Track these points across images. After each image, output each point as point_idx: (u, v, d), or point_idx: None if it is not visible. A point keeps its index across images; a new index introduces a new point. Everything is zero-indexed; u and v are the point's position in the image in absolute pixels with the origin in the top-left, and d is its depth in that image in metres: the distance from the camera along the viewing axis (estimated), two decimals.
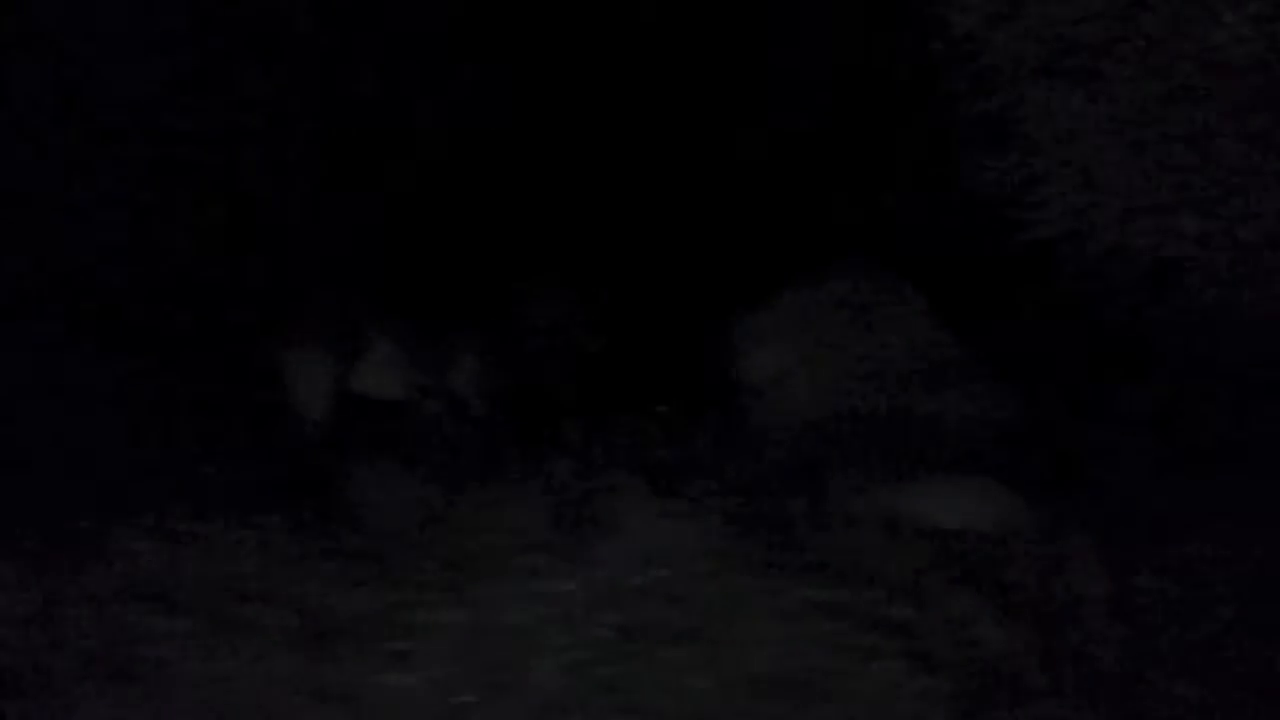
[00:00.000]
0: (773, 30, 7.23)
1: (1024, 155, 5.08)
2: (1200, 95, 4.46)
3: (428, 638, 4.28)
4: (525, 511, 5.20)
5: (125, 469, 5.47)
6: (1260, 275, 4.36)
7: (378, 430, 6.56)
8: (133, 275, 6.61)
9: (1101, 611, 4.73)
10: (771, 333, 8.14)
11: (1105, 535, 5.24)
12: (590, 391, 6.78)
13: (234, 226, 6.87)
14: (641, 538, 4.85)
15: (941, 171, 5.90)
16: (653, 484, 5.18)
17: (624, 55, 7.85)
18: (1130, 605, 4.78)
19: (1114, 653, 4.53)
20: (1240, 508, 5.10)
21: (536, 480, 5.54)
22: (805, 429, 7.25)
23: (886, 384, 7.75)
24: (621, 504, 4.96)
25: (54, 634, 4.34)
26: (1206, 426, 5.34)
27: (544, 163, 7.86)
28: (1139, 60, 4.80)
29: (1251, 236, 4.36)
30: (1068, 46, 5.09)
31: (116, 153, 6.64)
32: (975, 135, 5.45)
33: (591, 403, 6.39)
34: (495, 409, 6.91)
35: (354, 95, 7.31)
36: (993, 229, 5.71)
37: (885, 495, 6.01)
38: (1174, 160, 4.68)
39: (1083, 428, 6.32)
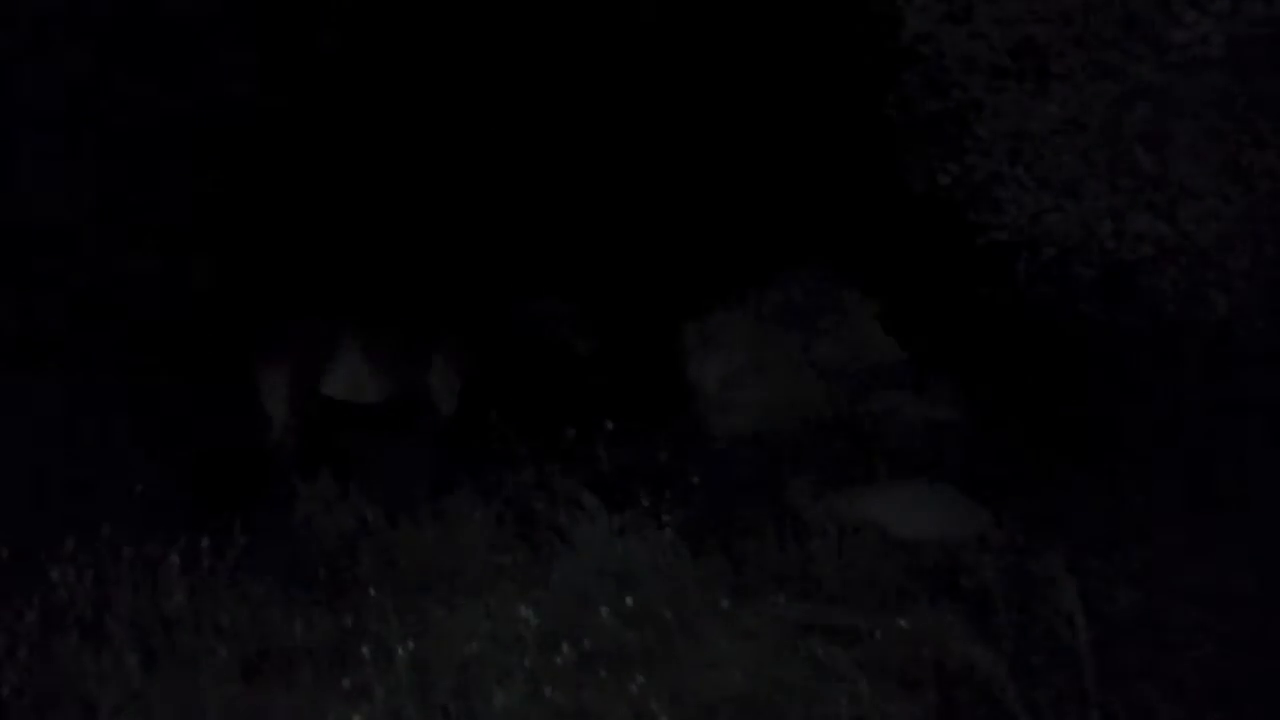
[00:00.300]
0: (727, 36, 7.08)
1: (978, 157, 4.97)
2: (1158, 95, 4.39)
3: (376, 667, 4.06)
4: (477, 530, 4.99)
5: (54, 492, 5.22)
6: (1217, 279, 4.29)
7: (329, 443, 6.33)
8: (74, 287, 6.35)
9: (1075, 625, 4.64)
10: (721, 339, 8.03)
11: (1073, 544, 5.15)
12: (560, 399, 6.65)
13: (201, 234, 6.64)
14: (598, 556, 4.67)
15: (894, 174, 5.77)
16: (608, 498, 5.00)
17: (599, 69, 7.67)
18: (1104, 618, 4.69)
19: (1090, 667, 4.44)
20: (1207, 514, 5.04)
21: (488, 496, 5.33)
22: (758, 436, 7.13)
23: (838, 388, 7.67)
24: (576, 520, 4.76)
25: None
26: (1165, 432, 5.28)
27: (514, 171, 7.70)
28: (1094, 60, 4.71)
29: (1208, 240, 4.29)
30: (1022, 46, 5.00)
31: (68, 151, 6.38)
32: (928, 136, 5.34)
33: (553, 411, 6.26)
34: (465, 415, 6.72)
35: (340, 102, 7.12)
36: (947, 232, 5.61)
37: (843, 502, 5.90)
38: (1131, 162, 4.60)
39: (1037, 433, 6.24)
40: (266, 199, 6.95)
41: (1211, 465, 4.84)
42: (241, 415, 6.76)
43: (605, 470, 5.47)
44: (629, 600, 4.34)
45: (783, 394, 7.70)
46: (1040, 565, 5.04)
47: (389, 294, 7.32)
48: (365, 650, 4.07)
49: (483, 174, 7.68)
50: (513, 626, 4.24)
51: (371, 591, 4.59)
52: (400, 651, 4.02)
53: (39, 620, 4.42)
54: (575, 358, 7.32)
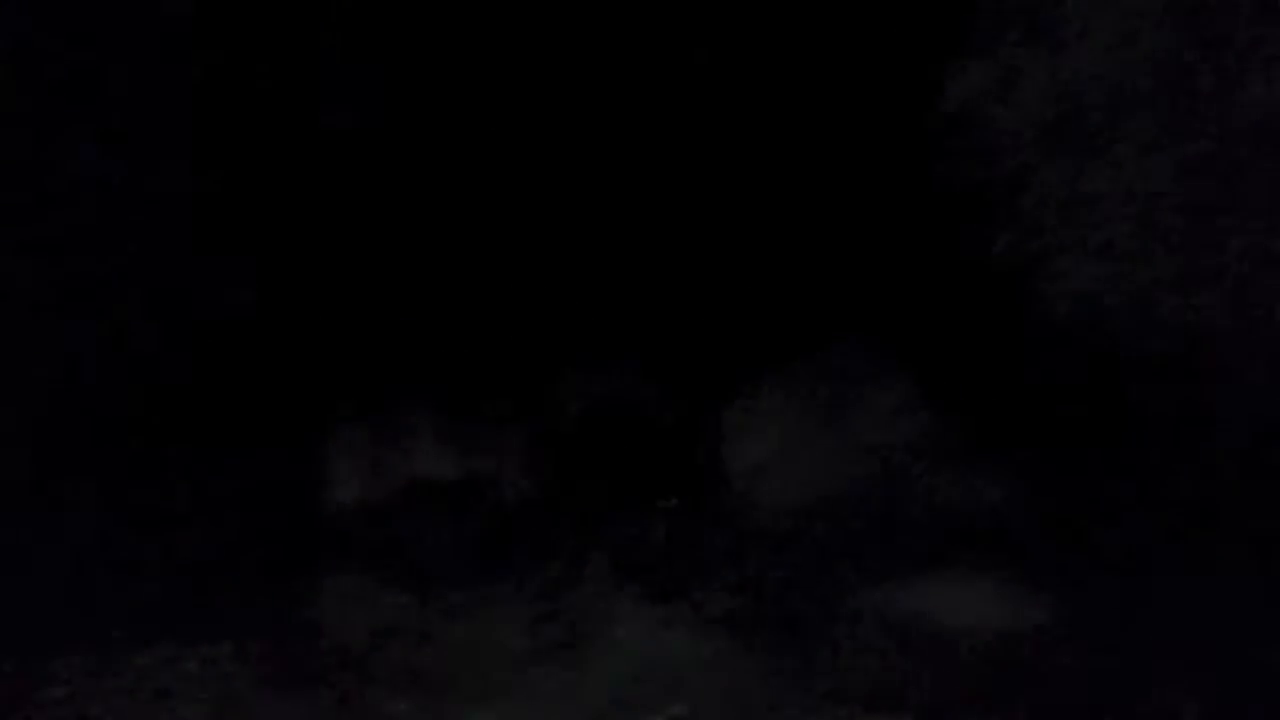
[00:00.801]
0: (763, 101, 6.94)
1: (1031, 228, 4.75)
2: (1222, 164, 4.17)
3: None
4: (508, 624, 4.71)
5: (63, 594, 4.95)
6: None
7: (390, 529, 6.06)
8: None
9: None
10: (757, 417, 7.77)
11: (1136, 637, 4.84)
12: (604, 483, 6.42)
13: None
14: (637, 650, 4.38)
15: (941, 243, 5.56)
16: (645, 588, 4.73)
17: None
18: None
19: None
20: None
21: (520, 586, 5.06)
22: (799, 521, 6.83)
23: (877, 469, 7.39)
24: (613, 612, 4.48)
25: None
26: (1236, 517, 4.98)
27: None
28: (1153, 127, 4.51)
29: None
30: (1073, 112, 4.80)
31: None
32: (978, 206, 5.12)
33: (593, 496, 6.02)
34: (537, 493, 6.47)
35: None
36: (996, 306, 5.37)
37: (890, 592, 5.59)
38: (1192, 233, 4.37)
39: (1097, 518, 5.93)
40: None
41: None
42: (300, 494, 6.42)
43: (644, 559, 5.18)
44: (671, 697, 4.06)
45: (820, 473, 7.42)
46: (1108, 664, 4.74)
47: (462, 364, 7.10)
48: None
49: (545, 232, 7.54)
50: None
51: (394, 694, 4.32)
52: None
53: None
54: (654, 431, 6.97)
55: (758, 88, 6.89)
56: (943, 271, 6.22)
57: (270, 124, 6.58)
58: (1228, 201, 4.34)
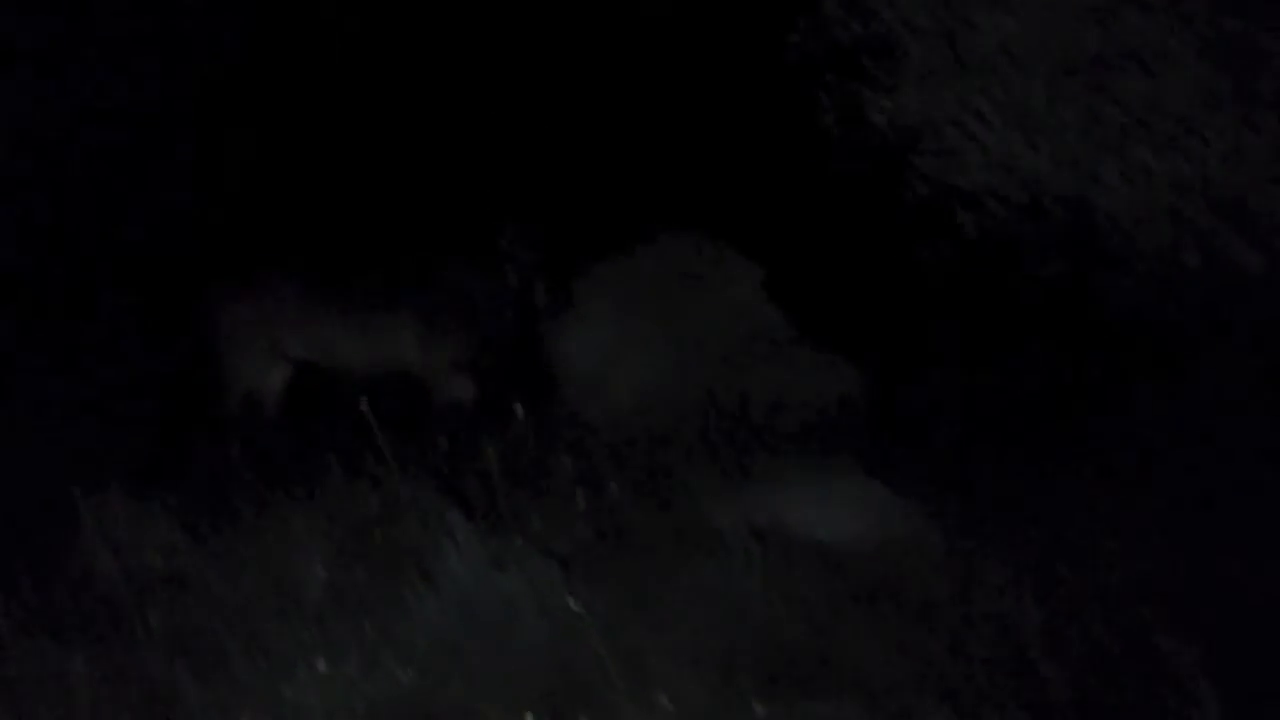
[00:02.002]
0: None
1: (919, 90, 4.10)
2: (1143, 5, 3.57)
3: None
4: (304, 562, 3.87)
5: None
6: (1241, 230, 3.53)
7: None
8: None
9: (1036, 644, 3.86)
10: (586, 311, 7.02)
11: (1017, 547, 4.39)
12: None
13: None
14: (463, 594, 3.63)
15: (798, 115, 4.89)
16: (470, 515, 3.97)
17: None
18: (1067, 632, 3.92)
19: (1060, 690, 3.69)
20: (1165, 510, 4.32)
21: (318, 515, 4.21)
22: (640, 428, 6.16)
23: (720, 365, 6.78)
24: (437, 547, 3.71)
25: None
26: (1127, 415, 4.57)
27: None
28: None
29: (1231, 181, 3.52)
30: None
31: None
32: (852, 68, 4.44)
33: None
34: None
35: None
36: (874, 184, 4.75)
37: (752, 504, 5.00)
38: (1107, 97, 3.80)
39: (968, 412, 5.49)
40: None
41: (1215, 466, 4.11)
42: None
43: (469, 480, 4.40)
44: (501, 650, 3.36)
45: (660, 373, 6.77)
46: (991, 577, 4.28)
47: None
48: None
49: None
50: (352, 697, 3.19)
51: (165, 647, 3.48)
52: None
53: None
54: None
55: None
56: (797, 151, 5.54)
57: None
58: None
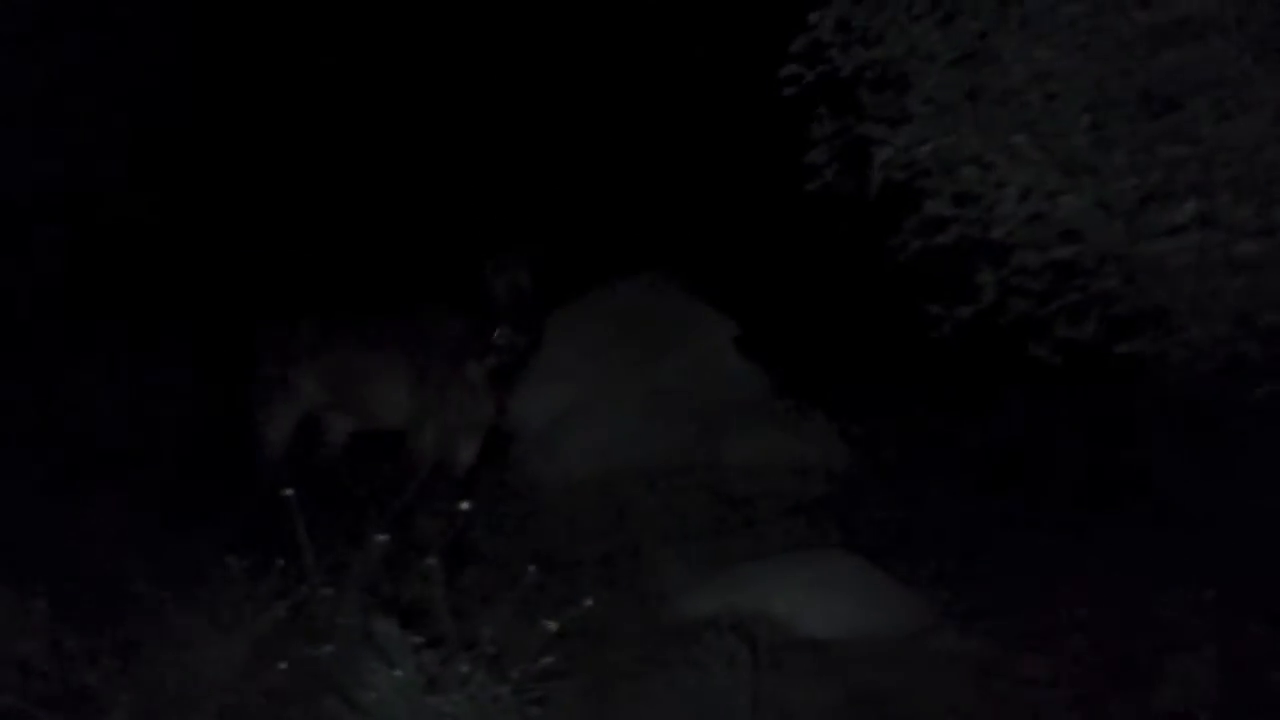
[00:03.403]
0: None
1: (931, 126, 3.58)
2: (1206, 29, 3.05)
3: None
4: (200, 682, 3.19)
5: None
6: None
7: None
8: None
9: None
10: (545, 367, 6.41)
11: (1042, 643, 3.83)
12: None
13: None
14: (392, 699, 2.98)
15: (789, 154, 4.36)
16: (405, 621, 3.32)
17: None
18: None
19: None
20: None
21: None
22: (602, 497, 5.55)
23: (690, 428, 6.19)
24: (358, 665, 3.06)
25: None
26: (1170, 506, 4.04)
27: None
28: None
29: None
30: None
31: None
32: (850, 99, 3.92)
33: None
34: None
35: None
36: (868, 234, 4.23)
37: (728, 588, 4.40)
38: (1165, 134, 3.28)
39: (970, 484, 4.96)
40: None
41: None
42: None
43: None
44: None
45: (624, 434, 6.17)
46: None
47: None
48: None
49: None
50: None
51: None
52: None
53: None
54: None
55: None
56: (780, 194, 5.02)
57: None
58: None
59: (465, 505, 3.70)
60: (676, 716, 3.39)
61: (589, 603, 3.07)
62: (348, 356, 5.36)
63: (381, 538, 2.96)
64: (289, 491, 3.02)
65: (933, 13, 3.63)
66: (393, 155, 7.22)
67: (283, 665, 2.90)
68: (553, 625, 2.92)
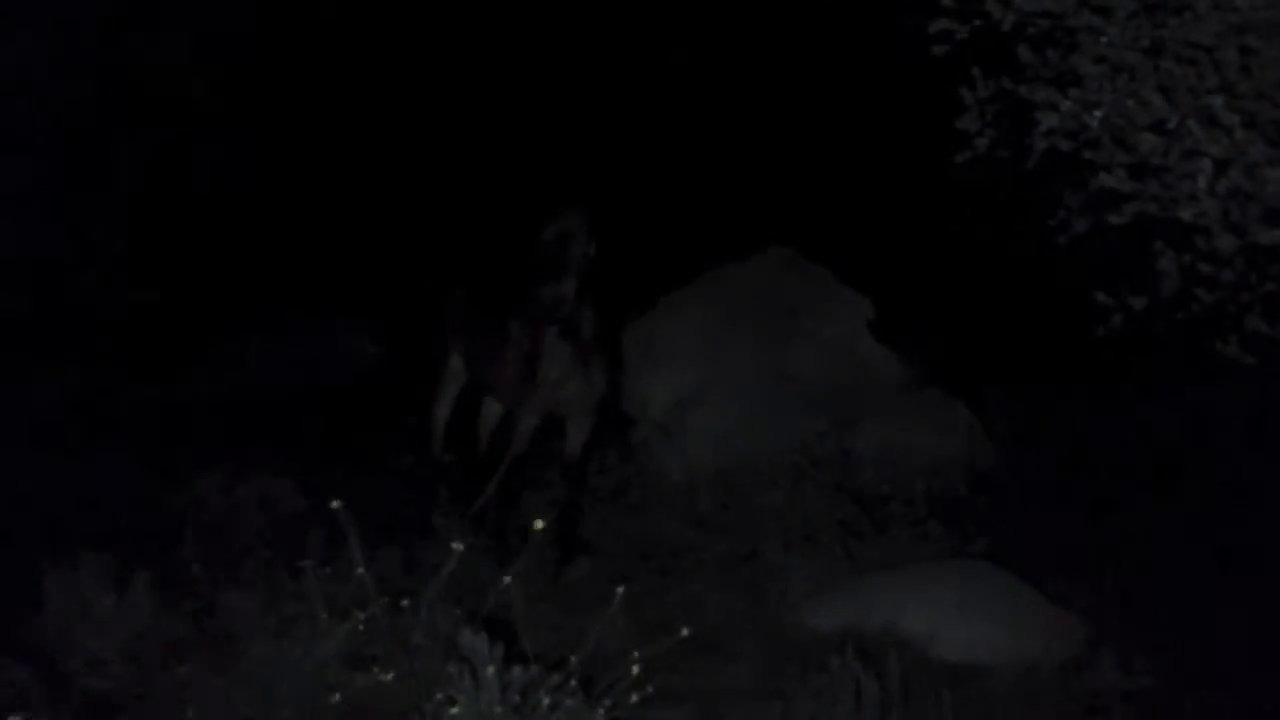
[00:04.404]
0: None
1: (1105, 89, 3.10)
2: None
3: None
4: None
5: None
6: None
7: None
8: None
9: None
10: (668, 347, 6.07)
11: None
12: None
13: None
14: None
15: (936, 121, 3.93)
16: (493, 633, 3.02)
17: None
18: None
19: None
20: None
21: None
22: (724, 490, 5.20)
23: (820, 418, 5.75)
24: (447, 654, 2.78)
25: None
26: None
27: None
28: None
29: None
30: None
31: None
32: (1010, 59, 3.44)
33: None
34: None
35: None
36: (1026, 211, 3.77)
37: (860, 601, 4.01)
38: None
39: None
40: None
41: None
42: None
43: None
44: None
45: (748, 421, 5.78)
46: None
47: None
48: None
49: None
50: None
51: None
52: None
53: None
54: None
55: None
56: (926, 165, 4.58)
57: None
58: None
59: (539, 524, 3.19)
60: None
61: (685, 632, 2.71)
62: (476, 333, 5.08)
63: (458, 546, 2.66)
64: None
65: None
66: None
67: (360, 682, 2.64)
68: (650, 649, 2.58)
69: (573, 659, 2.63)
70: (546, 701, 2.55)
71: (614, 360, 5.01)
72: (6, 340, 5.35)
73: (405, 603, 2.73)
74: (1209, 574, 4.13)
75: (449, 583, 2.85)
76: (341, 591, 2.89)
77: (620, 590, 2.75)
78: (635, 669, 2.59)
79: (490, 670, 2.56)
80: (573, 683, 2.67)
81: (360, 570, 2.58)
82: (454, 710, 2.56)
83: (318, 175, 6.73)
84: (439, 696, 2.55)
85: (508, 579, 2.52)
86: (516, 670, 2.62)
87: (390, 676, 2.64)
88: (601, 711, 2.63)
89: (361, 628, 2.72)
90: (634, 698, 2.68)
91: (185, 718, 2.94)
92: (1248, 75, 2.85)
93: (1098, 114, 3.18)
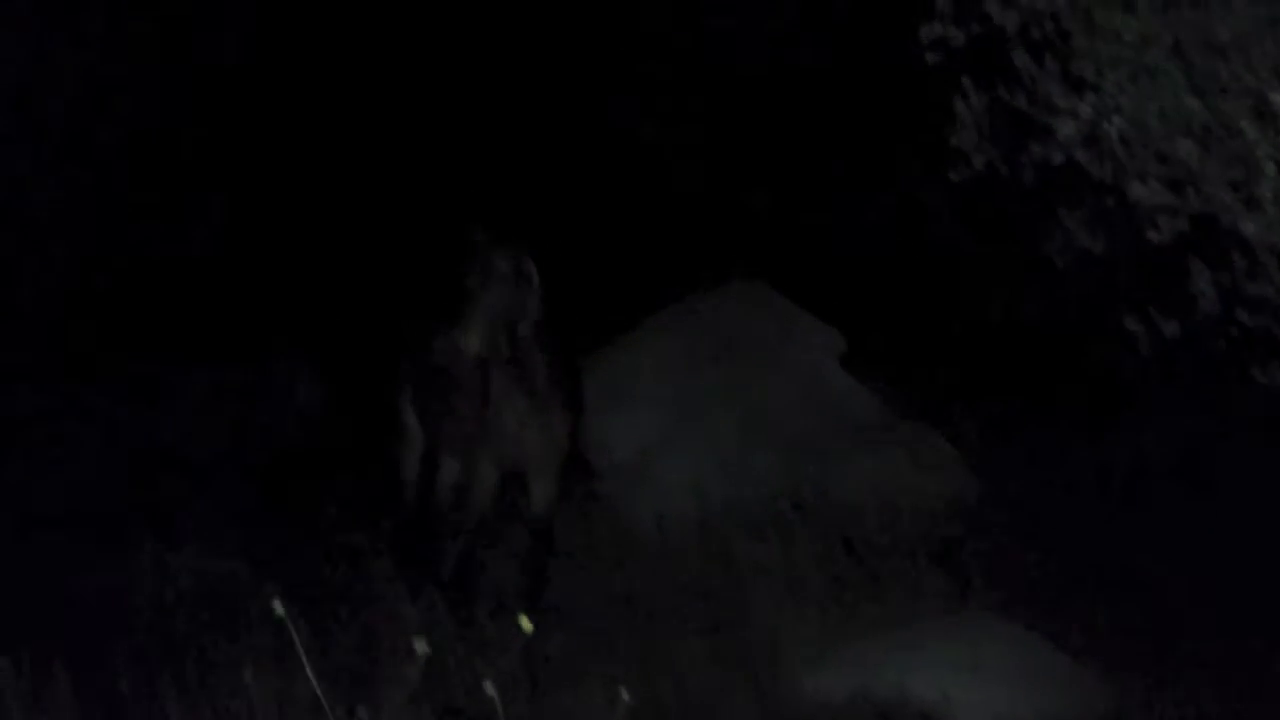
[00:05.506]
0: None
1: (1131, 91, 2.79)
2: None
3: None
4: None
5: None
6: None
7: None
8: None
9: None
10: (634, 386, 5.69)
11: None
12: None
13: None
14: None
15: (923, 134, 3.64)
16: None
17: None
18: None
19: None
20: None
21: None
22: (700, 541, 4.82)
23: (797, 457, 5.41)
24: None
25: None
26: None
27: None
28: None
29: None
30: None
31: None
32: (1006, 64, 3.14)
33: None
34: None
35: None
36: (1024, 226, 3.48)
37: (861, 663, 3.65)
38: None
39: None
40: None
41: None
42: None
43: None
44: None
45: (721, 464, 5.41)
46: None
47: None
48: None
49: None
50: None
51: None
52: None
53: None
54: None
55: None
56: (906, 180, 4.28)
57: None
58: None
59: (526, 624, 2.71)
60: None
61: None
62: (425, 384, 4.64)
63: (422, 648, 2.24)
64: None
65: None
66: None
67: None
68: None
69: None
70: None
71: (575, 405, 4.62)
72: None
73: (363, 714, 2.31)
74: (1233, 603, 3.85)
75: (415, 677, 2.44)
76: (293, 696, 2.46)
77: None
78: None
79: None
80: None
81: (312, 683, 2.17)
82: None
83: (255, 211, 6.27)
84: None
85: (488, 685, 2.10)
86: None
87: None
88: None
89: None
90: None
91: None
92: None
93: (1118, 120, 2.88)
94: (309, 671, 2.10)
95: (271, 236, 6.12)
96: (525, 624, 2.35)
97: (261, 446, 5.67)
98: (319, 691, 2.05)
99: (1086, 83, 2.93)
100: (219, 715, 2.77)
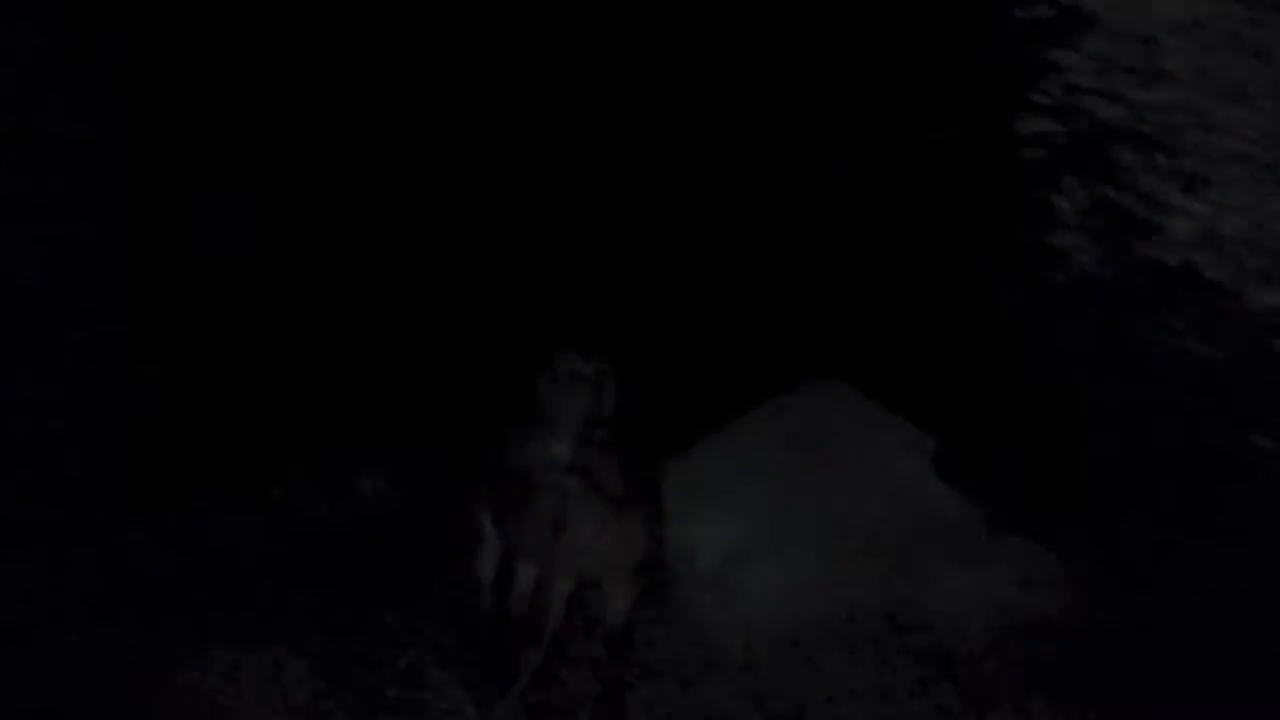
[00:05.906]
0: None
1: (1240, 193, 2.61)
2: None
3: None
4: None
5: None
6: None
7: None
8: None
9: None
10: (720, 489, 5.51)
11: None
12: None
13: None
14: None
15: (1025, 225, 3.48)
16: None
17: None
18: None
19: None
20: None
21: None
22: (785, 653, 4.59)
23: (886, 565, 5.17)
24: None
25: None
26: None
27: None
28: None
29: None
30: None
31: None
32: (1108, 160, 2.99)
33: None
34: None
35: None
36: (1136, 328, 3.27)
37: None
38: None
39: None
40: None
41: None
42: None
43: None
44: None
45: (808, 576, 5.19)
46: None
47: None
48: None
49: None
50: None
51: None
52: None
53: None
54: None
55: None
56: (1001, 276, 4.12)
57: None
58: None
59: None
60: None
61: None
62: (498, 489, 4.52)
63: None
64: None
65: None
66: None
67: None
68: None
69: None
70: None
71: (654, 512, 4.48)
72: None
73: None
74: None
75: None
76: None
77: None
78: None
79: None
80: None
81: None
82: None
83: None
84: None
85: None
86: None
87: None
88: None
89: None
90: None
91: None
92: None
93: (1236, 220, 2.71)
94: None
95: (351, 327, 6.09)
96: None
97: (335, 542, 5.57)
98: None
99: (1200, 180, 2.77)
100: None
